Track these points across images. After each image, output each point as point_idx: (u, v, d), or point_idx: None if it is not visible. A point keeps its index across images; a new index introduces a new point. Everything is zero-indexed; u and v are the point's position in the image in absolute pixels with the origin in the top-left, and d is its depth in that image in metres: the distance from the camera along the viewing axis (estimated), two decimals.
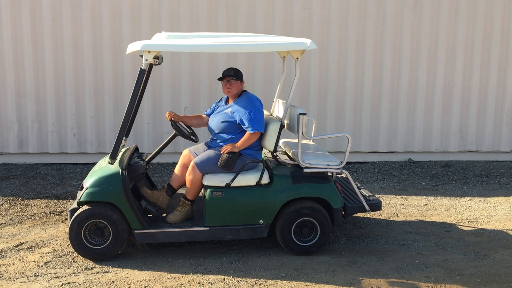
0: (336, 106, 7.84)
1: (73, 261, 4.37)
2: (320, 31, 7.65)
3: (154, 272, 4.20)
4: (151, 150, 7.24)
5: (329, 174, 4.67)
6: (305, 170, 4.50)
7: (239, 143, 4.49)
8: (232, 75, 4.58)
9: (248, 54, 7.58)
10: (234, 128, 4.57)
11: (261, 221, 4.43)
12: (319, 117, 7.77)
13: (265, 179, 4.44)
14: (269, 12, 7.62)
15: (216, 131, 4.64)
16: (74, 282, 4.01)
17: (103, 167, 4.47)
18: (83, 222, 4.28)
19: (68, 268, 4.25)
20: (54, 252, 4.55)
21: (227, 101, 4.77)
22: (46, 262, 4.35)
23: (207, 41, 4.40)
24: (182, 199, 4.54)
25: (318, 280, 4.08)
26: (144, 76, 4.29)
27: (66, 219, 5.38)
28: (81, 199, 4.30)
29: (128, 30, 7.49)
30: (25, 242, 4.74)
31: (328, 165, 4.55)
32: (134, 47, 4.36)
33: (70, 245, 4.41)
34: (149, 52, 4.20)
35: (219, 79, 4.65)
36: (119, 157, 4.59)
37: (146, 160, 4.78)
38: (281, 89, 5.40)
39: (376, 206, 4.75)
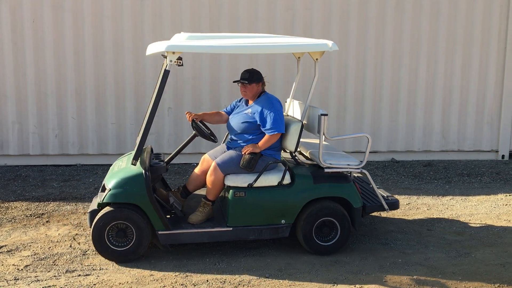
0: (320, 107, 7.86)
1: (54, 264, 4.31)
2: (303, 32, 7.66)
3: (136, 274, 4.16)
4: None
5: (348, 174, 4.71)
6: (326, 170, 4.52)
7: (260, 144, 4.49)
8: (246, 79, 4.58)
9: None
10: (254, 129, 4.57)
11: (283, 221, 4.44)
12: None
13: (287, 179, 4.45)
14: (252, 12, 7.61)
15: (237, 132, 4.64)
16: (55, 285, 3.96)
17: (125, 168, 4.42)
18: (107, 224, 4.23)
19: (49, 271, 4.19)
20: (34, 255, 4.48)
21: (247, 102, 4.78)
22: (27, 266, 4.28)
23: (228, 42, 4.40)
24: (203, 200, 4.52)
25: (301, 280, 4.08)
26: (167, 77, 4.25)
27: (47, 221, 5.31)
28: (104, 201, 4.25)
29: (110, 30, 7.43)
30: (5, 246, 4.67)
31: (348, 165, 4.58)
32: (157, 48, 4.34)
33: (93, 246, 4.34)
34: (173, 53, 4.16)
35: (235, 81, 4.68)
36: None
37: (166, 160, 4.76)
38: (295, 89, 5.44)
39: (394, 205, 4.80)
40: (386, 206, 4.69)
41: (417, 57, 7.96)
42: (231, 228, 4.38)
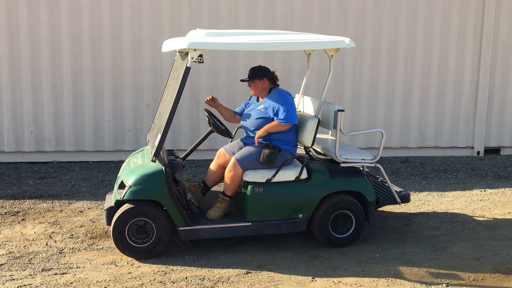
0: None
1: (30, 263, 4.24)
2: (283, 27, 7.66)
3: (114, 272, 4.12)
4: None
5: (361, 168, 4.80)
6: (342, 165, 4.61)
7: (267, 127, 4.52)
8: (248, 76, 4.66)
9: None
10: (269, 122, 4.61)
11: (300, 215, 4.51)
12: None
13: (304, 174, 4.52)
14: (233, 7, 7.58)
15: (251, 128, 4.68)
16: (31, 284, 3.89)
17: (144, 165, 4.41)
18: (127, 220, 4.23)
19: (24, 270, 4.11)
20: (9, 254, 4.40)
21: (258, 98, 4.81)
22: (1, 264, 4.20)
23: (247, 38, 4.42)
24: (221, 195, 4.56)
25: (280, 276, 4.09)
26: (188, 74, 4.23)
27: (22, 219, 5.22)
28: (124, 197, 4.23)
29: (88, 22, 7.31)
30: None
31: (363, 159, 4.68)
32: (177, 44, 4.38)
33: (114, 243, 4.33)
34: (195, 50, 4.15)
35: (242, 80, 4.73)
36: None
37: (181, 157, 4.76)
38: (306, 85, 5.51)
39: (405, 198, 4.94)
40: (398, 200, 4.84)
41: (395, 54, 8.04)
42: (250, 223, 4.43)
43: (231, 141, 5.09)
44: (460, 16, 8.11)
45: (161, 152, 4.47)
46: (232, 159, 4.50)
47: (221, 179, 4.81)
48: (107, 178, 6.80)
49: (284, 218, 4.49)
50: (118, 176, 4.73)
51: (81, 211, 5.52)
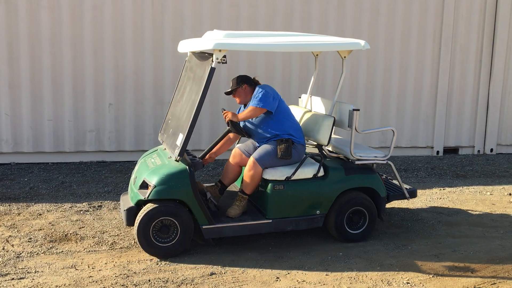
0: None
1: None
2: (247, 28, 7.67)
3: (74, 276, 4.01)
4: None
5: (372, 165, 4.93)
6: (356, 162, 4.75)
7: (241, 114, 4.59)
8: (231, 90, 4.75)
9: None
10: (266, 118, 4.67)
11: (317, 212, 4.63)
12: None
13: (321, 172, 4.63)
14: (197, 9, 7.53)
15: (257, 129, 4.74)
16: None
17: (167, 165, 4.41)
18: (152, 220, 4.23)
19: None
20: None
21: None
22: None
23: (266, 40, 4.51)
24: (240, 194, 4.61)
25: (245, 277, 4.09)
26: (213, 75, 4.23)
27: None
28: (149, 197, 4.23)
29: (47, 21, 7.11)
30: None
31: (375, 157, 4.85)
32: (199, 45, 4.39)
33: (138, 243, 4.31)
34: (219, 51, 4.17)
35: (226, 93, 4.80)
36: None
37: (200, 156, 4.76)
38: (312, 85, 5.59)
39: (413, 193, 5.19)
40: (407, 195, 5.04)
41: (357, 56, 8.17)
42: (270, 220, 4.51)
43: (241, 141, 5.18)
44: (420, 20, 8.32)
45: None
46: (251, 159, 4.57)
47: (237, 177, 4.89)
48: (67, 180, 6.63)
49: (302, 215, 4.61)
50: (133, 177, 4.70)
51: (40, 214, 5.36)
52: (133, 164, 7.46)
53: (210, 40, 4.30)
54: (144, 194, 4.29)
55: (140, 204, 4.38)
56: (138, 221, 4.25)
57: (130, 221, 4.38)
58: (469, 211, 5.84)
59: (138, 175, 4.60)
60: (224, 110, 4.72)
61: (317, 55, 5.52)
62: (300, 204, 4.59)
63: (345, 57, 4.81)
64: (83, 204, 5.71)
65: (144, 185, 4.38)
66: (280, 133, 4.68)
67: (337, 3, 7.98)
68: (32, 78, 7.20)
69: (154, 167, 4.50)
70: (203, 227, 4.34)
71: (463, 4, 8.43)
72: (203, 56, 4.61)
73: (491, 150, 8.97)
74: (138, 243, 4.31)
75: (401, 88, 8.45)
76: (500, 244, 4.87)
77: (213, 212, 4.54)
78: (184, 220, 4.30)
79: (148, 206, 4.28)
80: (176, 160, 4.36)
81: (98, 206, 5.65)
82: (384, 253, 4.61)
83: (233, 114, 4.59)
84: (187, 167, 4.29)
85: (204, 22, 7.55)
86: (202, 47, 4.37)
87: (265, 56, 7.81)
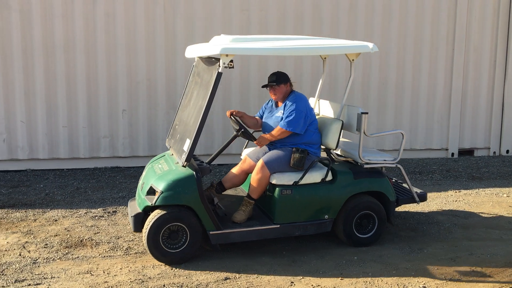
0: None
1: (2, 274, 4.13)
2: (258, 33, 7.68)
3: (90, 281, 4.04)
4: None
5: (380, 169, 4.89)
6: (365, 166, 4.70)
7: (270, 137, 4.62)
8: (274, 81, 4.70)
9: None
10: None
11: (326, 216, 4.59)
12: None
13: (329, 176, 4.59)
14: (208, 13, 7.57)
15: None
16: None
17: (174, 170, 4.40)
18: (162, 226, 4.21)
19: None
20: None
21: (276, 103, 4.87)
22: None
23: (272, 44, 4.48)
24: (246, 199, 4.57)
25: (260, 281, 4.08)
26: (220, 80, 4.23)
27: None
28: (156, 203, 4.21)
29: (61, 30, 7.20)
30: None
31: (384, 160, 4.79)
32: (206, 50, 4.40)
33: (147, 249, 4.30)
34: (226, 55, 4.16)
35: (263, 86, 4.77)
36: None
37: (207, 161, 4.75)
38: (321, 88, 5.60)
39: (423, 197, 5.12)
40: (417, 198, 4.99)
41: (370, 58, 8.13)
42: (278, 225, 4.47)
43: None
44: (432, 22, 8.25)
45: None
46: (260, 161, 4.54)
47: (241, 183, 4.87)
48: (82, 186, 6.69)
49: (311, 220, 4.57)
50: (141, 183, 4.71)
51: (56, 220, 5.42)
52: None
53: (217, 45, 4.29)
54: (151, 200, 4.28)
55: (147, 210, 4.37)
56: (148, 228, 4.22)
57: (137, 227, 4.37)
58: (486, 214, 5.76)
59: (146, 181, 4.60)
60: (255, 140, 4.67)
61: (325, 58, 5.50)
62: (308, 208, 4.55)
63: (353, 60, 4.77)
64: (98, 209, 5.76)
65: (151, 191, 4.37)
66: (298, 142, 4.65)
67: (349, 7, 7.95)
68: (47, 85, 7.28)
69: (161, 173, 4.49)
70: (210, 232, 4.31)
71: (476, 4, 8.36)
72: (210, 61, 4.59)
73: (507, 151, 8.85)
74: (148, 251, 4.29)
75: (415, 90, 8.39)
76: None
77: (221, 217, 4.51)
78: (193, 226, 4.28)
79: (157, 212, 4.26)
80: (183, 166, 4.33)
81: (113, 212, 5.69)
82: (399, 257, 4.57)
83: (263, 139, 4.60)
84: (194, 172, 4.26)
85: (215, 27, 7.58)
86: (209, 52, 4.35)
87: (276, 60, 7.82)
